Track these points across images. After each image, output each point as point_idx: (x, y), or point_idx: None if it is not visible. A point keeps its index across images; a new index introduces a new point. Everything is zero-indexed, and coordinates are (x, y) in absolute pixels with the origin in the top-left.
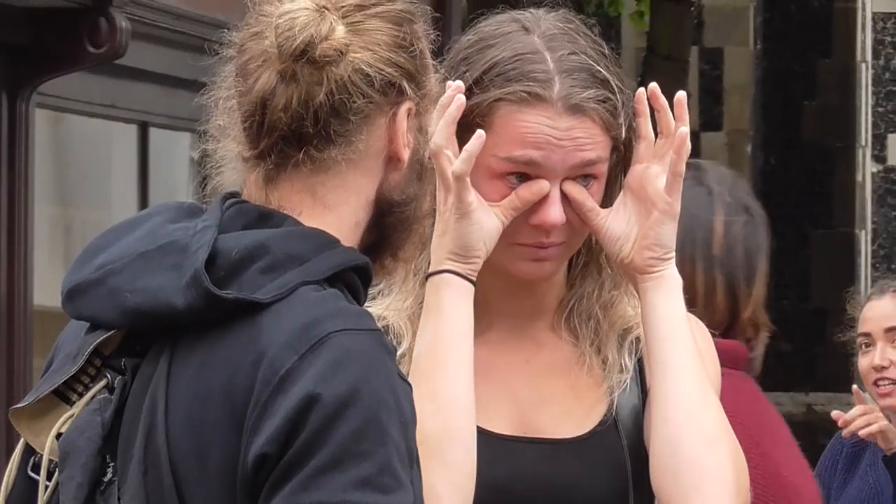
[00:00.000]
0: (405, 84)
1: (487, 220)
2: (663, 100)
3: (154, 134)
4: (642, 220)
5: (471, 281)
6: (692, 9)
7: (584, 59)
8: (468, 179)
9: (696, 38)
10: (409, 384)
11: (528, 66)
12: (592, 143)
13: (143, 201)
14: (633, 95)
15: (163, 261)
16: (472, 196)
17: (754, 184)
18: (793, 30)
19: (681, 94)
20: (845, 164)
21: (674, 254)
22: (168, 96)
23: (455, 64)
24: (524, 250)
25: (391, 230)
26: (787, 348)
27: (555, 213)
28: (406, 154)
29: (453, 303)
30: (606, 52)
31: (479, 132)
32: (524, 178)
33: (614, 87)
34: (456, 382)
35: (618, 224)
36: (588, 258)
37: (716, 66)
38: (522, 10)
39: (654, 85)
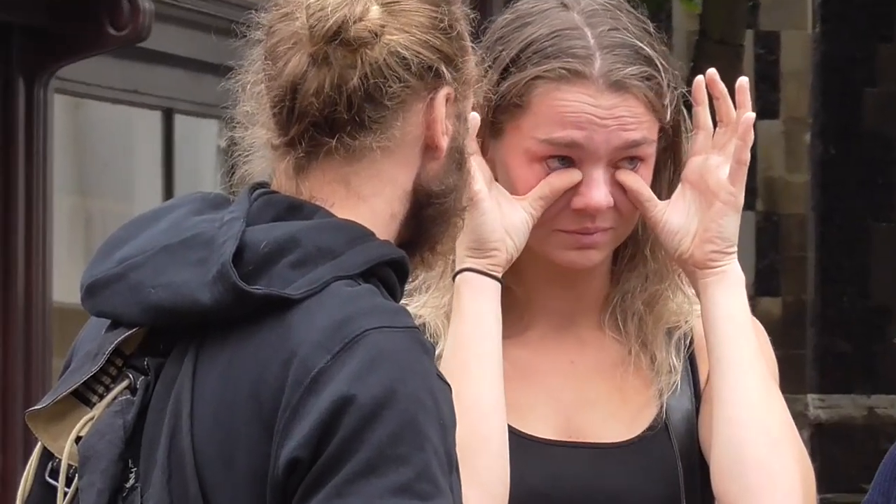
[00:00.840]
0: (443, 68)
1: (510, 211)
2: (722, 87)
3: (179, 121)
4: (703, 213)
5: (493, 277)
6: None
7: (627, 36)
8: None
9: (751, 20)
10: (449, 385)
11: (567, 43)
12: (637, 123)
13: (168, 192)
14: (680, 77)
15: (187, 255)
16: (480, 184)
17: (813, 174)
18: (853, 12)
19: (743, 80)
20: None
21: (736, 248)
22: (193, 81)
23: (491, 44)
24: (568, 238)
25: (430, 223)
26: (847, 348)
27: (599, 195)
28: (445, 142)
29: (473, 302)
30: (651, 30)
31: (473, 115)
32: (566, 161)
33: (659, 65)
34: (480, 384)
35: (677, 217)
36: (634, 250)
37: (772, 51)
38: None
39: (712, 71)
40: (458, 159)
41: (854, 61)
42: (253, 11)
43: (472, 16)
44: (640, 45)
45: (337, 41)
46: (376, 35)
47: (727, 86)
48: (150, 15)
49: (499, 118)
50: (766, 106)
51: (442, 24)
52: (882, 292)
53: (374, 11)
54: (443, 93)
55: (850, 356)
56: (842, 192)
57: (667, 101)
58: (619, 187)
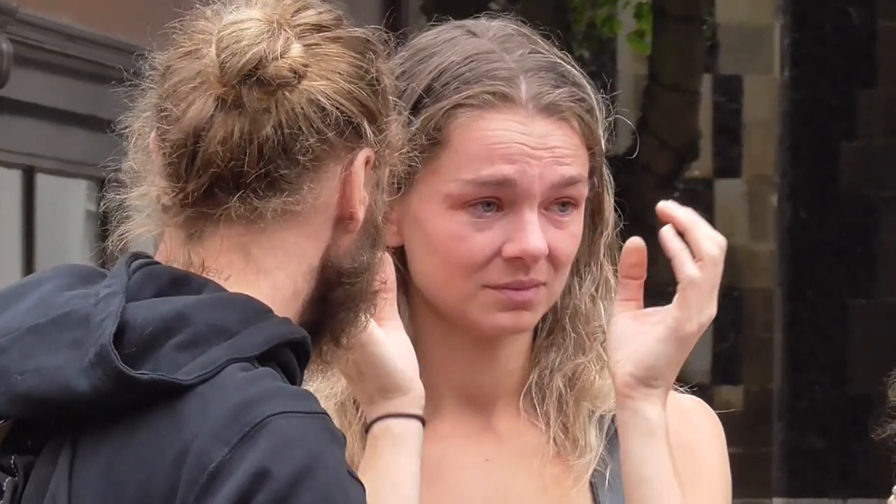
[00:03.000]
0: (365, 125)
1: (396, 340)
2: (683, 216)
3: (42, 181)
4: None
5: (416, 416)
6: (704, 28)
7: (549, 57)
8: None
9: (709, 63)
10: (362, 484)
11: (486, 66)
12: (572, 156)
13: (29, 262)
14: (608, 105)
15: (60, 335)
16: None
17: (780, 242)
18: (828, 53)
19: (662, 207)
20: (892, 218)
21: (663, 386)
22: (59, 136)
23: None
24: (498, 296)
25: (337, 306)
26: (820, 445)
27: (536, 239)
28: (361, 213)
29: (393, 457)
30: (569, 59)
31: None
32: (492, 207)
33: (588, 88)
34: None
35: (630, 325)
36: (553, 322)
37: (733, 98)
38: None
39: (664, 205)
40: (372, 235)
41: (829, 110)
42: (141, 55)
43: (397, 71)
44: (566, 66)
45: (252, 80)
46: (298, 75)
47: (680, 139)
48: (8, 58)
49: (409, 164)
50: (726, 162)
51: (367, 76)
52: (862, 380)
53: (296, 49)
54: (363, 155)
55: (824, 454)
56: (815, 264)
57: (600, 130)
58: (552, 234)
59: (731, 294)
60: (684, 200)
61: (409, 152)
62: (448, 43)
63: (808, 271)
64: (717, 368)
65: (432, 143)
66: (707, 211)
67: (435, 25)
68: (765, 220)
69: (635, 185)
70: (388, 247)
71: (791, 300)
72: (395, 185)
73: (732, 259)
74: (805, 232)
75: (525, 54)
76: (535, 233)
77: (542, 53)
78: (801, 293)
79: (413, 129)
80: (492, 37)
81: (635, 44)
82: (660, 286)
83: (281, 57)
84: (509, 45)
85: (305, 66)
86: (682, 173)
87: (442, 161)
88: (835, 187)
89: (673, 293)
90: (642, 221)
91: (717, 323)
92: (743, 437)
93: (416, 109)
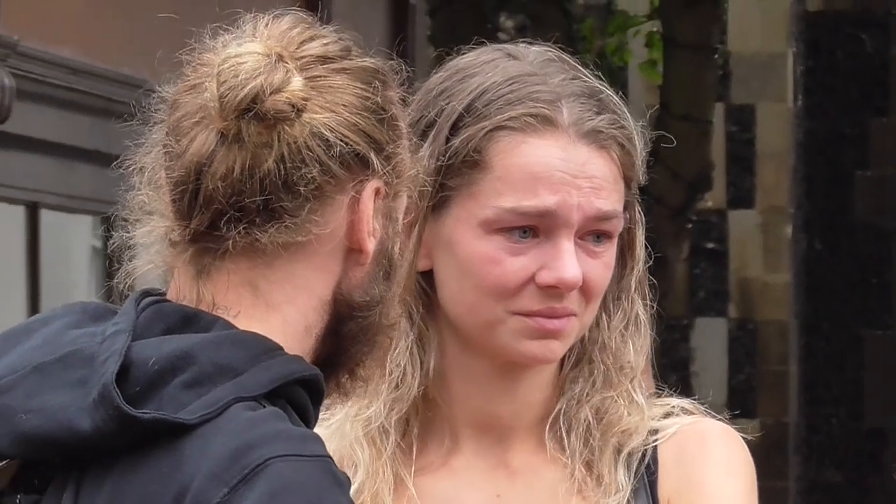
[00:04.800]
0: (373, 156)
1: None
2: None
3: (46, 217)
4: None
5: None
6: (715, 56)
7: (591, 83)
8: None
9: (722, 92)
10: None
11: (528, 88)
12: (609, 189)
13: (34, 301)
14: (645, 135)
15: (64, 374)
16: None
17: (795, 273)
18: (841, 81)
19: None
20: None
21: None
22: (63, 171)
23: (429, 100)
24: (529, 323)
25: (350, 340)
26: (837, 479)
27: (573, 268)
28: (371, 245)
29: None
30: (606, 85)
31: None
32: (528, 233)
33: (627, 115)
34: None
35: None
36: (581, 353)
37: (746, 128)
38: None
39: None
40: (385, 267)
41: (843, 140)
42: (150, 90)
43: (407, 99)
44: (607, 92)
45: (251, 114)
46: (297, 109)
47: (692, 170)
48: (10, 93)
49: (445, 184)
50: (739, 193)
51: (373, 106)
52: (877, 413)
53: (296, 83)
54: (371, 186)
55: (842, 488)
56: (830, 295)
57: (638, 161)
58: (586, 264)
59: (745, 326)
60: (698, 232)
61: (443, 174)
62: (489, 64)
63: (824, 302)
64: (732, 402)
65: (471, 165)
66: (721, 242)
67: (444, 56)
68: (779, 251)
69: (647, 217)
70: (417, 270)
71: (806, 332)
72: (428, 207)
73: (746, 290)
74: (820, 263)
75: (567, 79)
76: (571, 261)
77: (583, 79)
78: (816, 325)
79: (452, 148)
80: (532, 61)
81: (648, 73)
82: (673, 319)
83: (279, 91)
84: (550, 70)
85: (305, 99)
86: (694, 205)
87: (481, 185)
88: (849, 218)
89: (686, 326)
90: (656, 254)
91: (732, 356)
92: (759, 471)
93: (455, 128)
